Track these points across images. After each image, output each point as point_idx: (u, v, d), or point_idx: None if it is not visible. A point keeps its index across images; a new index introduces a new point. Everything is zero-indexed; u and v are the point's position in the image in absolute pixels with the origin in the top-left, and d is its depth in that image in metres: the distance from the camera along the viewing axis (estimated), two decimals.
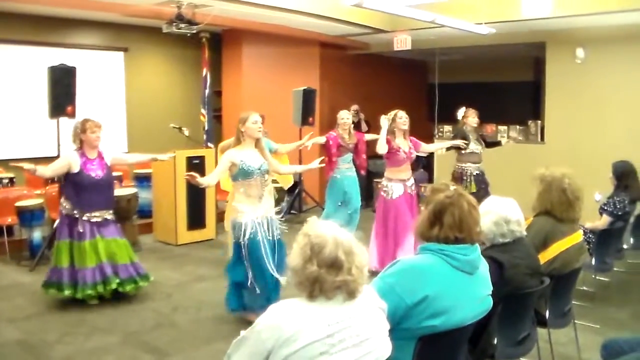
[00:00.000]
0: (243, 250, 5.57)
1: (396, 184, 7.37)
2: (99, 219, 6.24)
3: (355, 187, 8.47)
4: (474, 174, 8.38)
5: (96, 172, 6.19)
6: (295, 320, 2.33)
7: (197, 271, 7.49)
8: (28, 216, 7.65)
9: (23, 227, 7.96)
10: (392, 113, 7.39)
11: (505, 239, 3.71)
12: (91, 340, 5.41)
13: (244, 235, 5.53)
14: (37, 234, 7.82)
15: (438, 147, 8.20)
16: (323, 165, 7.03)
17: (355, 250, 2.42)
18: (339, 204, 8.43)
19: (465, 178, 8.34)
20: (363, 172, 8.74)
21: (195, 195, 8.57)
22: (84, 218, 6.16)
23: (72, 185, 6.15)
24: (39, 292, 6.46)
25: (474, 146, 8.40)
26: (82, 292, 6.14)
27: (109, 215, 6.38)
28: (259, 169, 5.62)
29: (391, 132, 7.30)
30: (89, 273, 6.13)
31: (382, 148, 7.16)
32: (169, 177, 8.78)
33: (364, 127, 11.78)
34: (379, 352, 2.47)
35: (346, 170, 8.34)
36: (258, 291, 5.59)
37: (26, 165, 6.02)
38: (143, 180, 9.70)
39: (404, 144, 7.36)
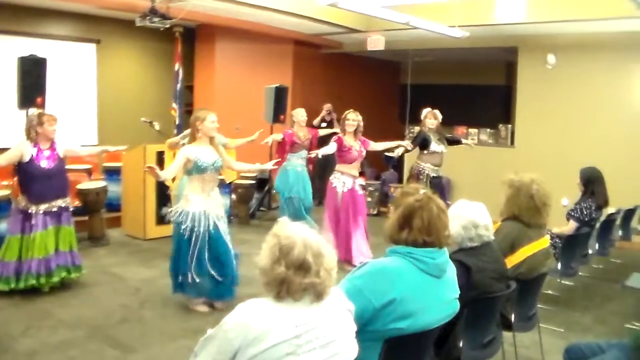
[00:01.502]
0: (188, 240, 5.84)
1: (347, 178, 7.75)
2: (53, 209, 6.32)
3: (303, 182, 8.74)
4: (431, 175, 8.44)
5: (47, 163, 6.25)
6: (262, 320, 2.34)
7: (165, 266, 7.34)
8: None
9: None
10: (345, 113, 7.85)
11: (473, 243, 3.75)
12: (56, 334, 5.35)
13: (192, 225, 5.81)
14: (3, 226, 7.70)
15: (385, 147, 8.27)
16: (277, 167, 7.32)
17: (324, 253, 2.43)
18: (292, 196, 8.69)
19: (422, 178, 8.39)
20: (311, 167, 9.23)
21: (165, 190, 8.52)
22: (38, 210, 6.22)
23: (24, 175, 6.22)
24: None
25: (435, 146, 8.45)
26: (25, 281, 6.20)
27: (63, 202, 6.44)
28: (213, 165, 5.90)
29: (343, 131, 7.77)
30: (34, 264, 6.21)
31: (330, 149, 7.59)
32: (138, 171, 8.68)
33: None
34: (346, 353, 2.49)
35: (297, 165, 8.67)
36: (197, 280, 5.88)
37: None
38: (113, 173, 9.61)
39: (354, 143, 7.72)
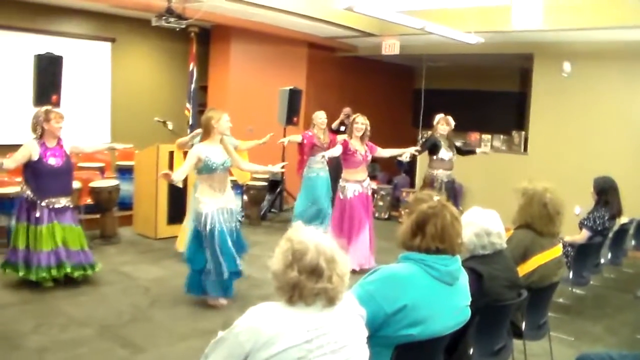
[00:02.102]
0: (204, 238, 6.00)
1: (352, 184, 7.73)
2: (56, 205, 6.38)
3: (325, 188, 8.72)
4: (445, 180, 8.44)
5: (55, 161, 6.33)
6: (274, 324, 2.33)
7: (176, 266, 7.45)
8: (7, 204, 7.56)
9: (2, 214, 7.86)
10: (352, 117, 7.82)
11: (486, 251, 3.74)
12: (66, 332, 5.37)
13: (205, 225, 5.94)
14: (14, 221, 7.74)
15: (393, 153, 8.24)
16: (284, 170, 7.40)
17: (337, 258, 2.42)
18: (309, 203, 8.71)
19: (435, 185, 8.39)
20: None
21: (176, 190, 8.51)
22: (43, 204, 6.29)
23: (32, 172, 6.28)
24: (16, 281, 6.45)
25: (445, 153, 8.46)
26: (37, 274, 6.27)
27: (66, 201, 6.51)
28: (222, 165, 6.04)
29: (349, 134, 7.71)
30: (44, 256, 6.28)
31: (336, 152, 7.66)
32: (151, 170, 8.73)
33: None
34: (357, 359, 2.48)
35: (319, 170, 8.74)
36: (214, 277, 6.06)
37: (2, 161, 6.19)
38: (125, 172, 9.65)
39: (360, 147, 7.68)
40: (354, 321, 2.52)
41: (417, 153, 8.40)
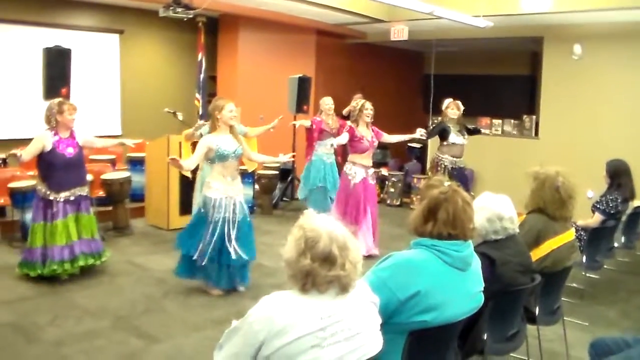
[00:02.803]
0: (207, 227, 6.02)
1: (359, 168, 7.71)
2: (71, 197, 6.41)
3: (331, 172, 8.73)
4: (449, 167, 8.40)
5: (68, 151, 6.35)
6: (287, 312, 2.34)
7: None
8: (20, 197, 7.60)
9: (15, 208, 7.91)
10: (360, 103, 7.75)
11: (498, 236, 3.73)
12: (82, 324, 5.41)
13: (212, 210, 6.00)
14: (29, 216, 7.78)
15: (399, 139, 8.19)
16: (293, 160, 7.34)
17: (349, 246, 2.42)
18: (318, 186, 8.72)
19: (439, 169, 8.36)
20: (339, 158, 9.19)
21: (188, 181, 8.54)
22: (58, 199, 6.32)
23: (46, 164, 6.30)
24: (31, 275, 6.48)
25: (455, 138, 8.40)
26: (49, 267, 6.32)
27: (82, 191, 6.55)
28: (234, 153, 6.08)
29: (355, 121, 7.68)
30: (57, 250, 6.33)
31: (342, 140, 7.67)
32: (162, 161, 8.71)
33: None
34: (370, 346, 2.48)
35: (323, 155, 8.69)
36: (203, 263, 6.04)
37: (14, 152, 6.28)
38: (136, 163, 9.68)
39: (367, 132, 7.69)
40: (367, 308, 2.52)
41: (424, 137, 8.36)
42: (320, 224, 2.44)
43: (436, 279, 2.85)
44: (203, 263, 6.06)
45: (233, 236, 6.10)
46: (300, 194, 9.27)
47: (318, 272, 2.35)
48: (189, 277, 6.29)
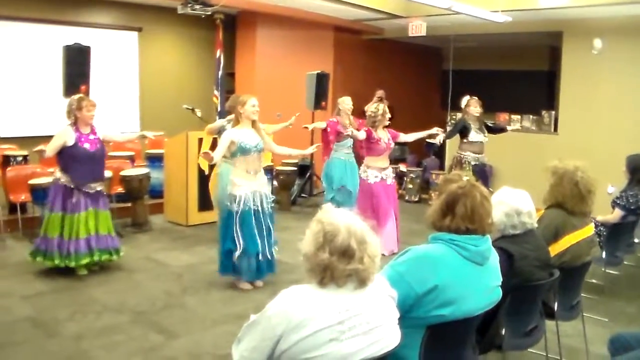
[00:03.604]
0: (236, 220, 6.12)
1: (372, 171, 7.72)
2: (91, 191, 6.49)
3: (350, 172, 8.72)
4: (472, 163, 8.38)
5: (90, 145, 6.43)
6: (306, 306, 2.34)
7: (208, 252, 7.51)
8: (41, 194, 7.66)
9: (36, 204, 8.01)
10: (380, 109, 7.70)
11: (516, 231, 3.72)
12: (101, 319, 5.45)
13: (238, 206, 6.10)
14: (48, 210, 7.86)
15: (416, 137, 8.17)
16: (316, 150, 7.51)
17: (367, 239, 2.42)
18: (339, 187, 8.71)
19: (464, 166, 8.35)
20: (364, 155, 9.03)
21: (207, 177, 8.58)
22: (81, 191, 6.41)
23: (68, 158, 6.37)
24: (49, 270, 6.56)
25: (475, 135, 8.39)
26: (76, 261, 6.41)
27: (100, 186, 6.63)
28: (256, 147, 6.17)
29: (374, 125, 7.65)
30: (76, 243, 6.41)
31: (361, 135, 7.63)
32: (180, 157, 8.80)
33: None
34: (389, 340, 2.48)
35: (342, 155, 8.70)
36: (250, 259, 6.19)
37: (40, 148, 6.34)
38: (155, 160, 9.74)
39: (383, 135, 7.68)
40: (385, 302, 2.52)
41: (439, 133, 8.31)
42: (339, 218, 2.44)
43: (454, 274, 2.85)
44: (236, 256, 6.16)
45: (259, 226, 6.22)
46: (326, 196, 9.24)
47: (336, 266, 2.35)
48: (231, 274, 6.36)
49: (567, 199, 4.30)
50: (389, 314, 2.52)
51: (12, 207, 8.33)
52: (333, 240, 2.37)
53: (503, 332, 3.54)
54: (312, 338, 2.30)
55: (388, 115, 7.69)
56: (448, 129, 8.51)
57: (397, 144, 8.35)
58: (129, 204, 8.74)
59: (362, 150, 7.97)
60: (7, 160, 8.65)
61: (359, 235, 2.40)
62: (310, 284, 2.43)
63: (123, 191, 8.66)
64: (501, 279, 3.10)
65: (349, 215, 2.47)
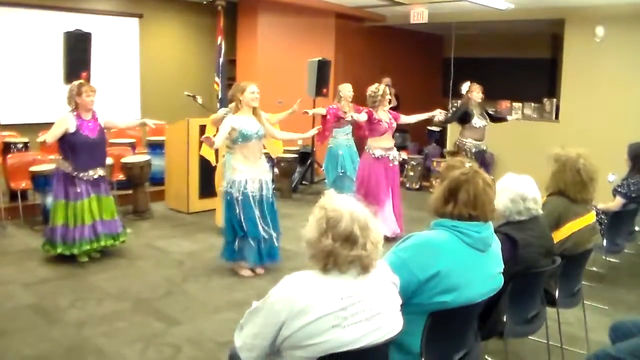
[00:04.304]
0: (237, 205, 6.13)
1: (377, 150, 7.71)
2: (93, 177, 6.50)
3: (350, 157, 8.70)
4: (473, 150, 8.38)
5: (91, 132, 6.43)
6: (308, 292, 2.35)
7: (209, 240, 7.52)
8: (42, 181, 7.68)
9: (37, 191, 8.00)
10: (381, 89, 7.69)
11: (522, 217, 3.70)
12: (103, 306, 5.46)
13: (239, 191, 6.12)
14: (50, 199, 7.86)
15: (417, 119, 8.15)
16: (317, 132, 7.57)
17: (370, 226, 2.42)
18: (340, 173, 8.72)
19: (464, 153, 8.34)
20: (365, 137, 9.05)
21: (208, 164, 8.55)
22: (82, 178, 6.42)
23: (69, 145, 6.37)
24: (52, 257, 6.57)
25: (478, 121, 8.41)
26: (79, 248, 6.45)
27: (102, 172, 6.63)
28: (257, 133, 6.18)
29: (375, 106, 7.66)
30: (86, 230, 6.45)
31: (362, 117, 7.59)
32: (181, 144, 8.79)
33: (394, 101, 11.73)
34: (391, 326, 2.49)
35: (343, 141, 8.68)
36: (252, 243, 6.21)
37: (41, 138, 6.27)
38: (156, 147, 9.72)
39: (384, 115, 7.69)
40: (387, 288, 2.53)
41: (441, 117, 8.30)
42: (342, 204, 2.44)
43: (456, 260, 2.84)
44: (236, 242, 6.20)
45: (260, 213, 6.23)
46: (327, 182, 9.25)
47: (339, 252, 2.35)
48: (233, 260, 6.37)
49: (569, 187, 4.29)
50: (392, 301, 2.52)
51: (12, 195, 8.33)
52: (336, 226, 2.37)
53: (504, 319, 3.54)
54: (315, 324, 2.30)
55: (388, 97, 7.70)
56: (439, 110, 8.45)
57: (399, 130, 8.34)
58: (130, 191, 8.75)
59: (362, 131, 7.95)
60: (7, 147, 8.65)
61: (362, 222, 2.39)
62: (313, 270, 2.43)
63: (124, 178, 8.67)
64: (503, 266, 3.09)
65: (352, 202, 2.47)
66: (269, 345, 2.42)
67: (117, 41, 11.01)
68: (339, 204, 2.43)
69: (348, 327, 2.34)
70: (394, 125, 7.79)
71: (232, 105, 6.48)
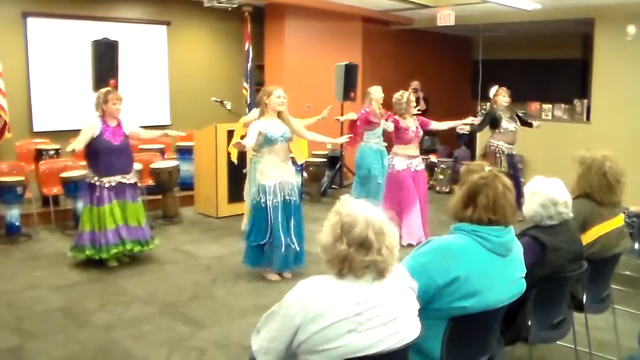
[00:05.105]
0: (264, 211, 6.15)
1: (399, 159, 7.72)
2: (115, 184, 6.54)
3: (379, 160, 8.65)
4: (507, 153, 8.34)
5: (114, 138, 6.50)
6: (324, 297, 2.34)
7: (237, 244, 7.54)
8: (72, 186, 7.80)
9: (68, 197, 8.13)
10: (405, 96, 7.69)
11: (553, 222, 3.62)
12: (131, 310, 5.53)
13: (267, 197, 6.13)
14: (81, 204, 7.95)
15: (448, 126, 8.10)
16: (348, 140, 7.57)
17: (386, 231, 2.40)
18: (369, 176, 8.69)
19: (498, 155, 8.31)
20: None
21: (236, 168, 8.60)
22: (103, 184, 6.47)
23: (92, 149, 6.45)
24: (82, 261, 6.67)
25: (507, 124, 8.38)
26: (107, 252, 6.51)
27: (127, 179, 6.66)
28: (282, 137, 6.18)
29: (401, 114, 7.66)
30: (110, 234, 6.50)
31: (390, 127, 7.63)
32: (210, 149, 8.84)
33: (422, 105, 11.69)
34: (408, 331, 2.47)
35: (373, 144, 8.63)
36: (277, 249, 6.20)
37: (70, 148, 6.42)
38: (185, 152, 9.81)
39: (411, 123, 7.68)
40: (404, 294, 2.51)
41: (473, 124, 8.26)
42: (357, 209, 2.43)
43: (476, 265, 2.82)
44: (264, 248, 6.22)
45: (286, 218, 6.24)
46: (354, 185, 9.19)
47: (354, 257, 2.34)
48: (255, 265, 6.39)
49: (595, 190, 4.20)
50: (409, 306, 2.51)
51: (45, 200, 8.46)
52: (351, 231, 2.36)
53: (529, 324, 3.50)
54: (330, 329, 2.30)
55: (413, 103, 7.69)
56: (478, 118, 8.44)
57: (428, 133, 8.30)
58: (159, 196, 8.82)
59: (390, 135, 7.95)
60: (39, 154, 8.81)
61: (377, 227, 2.38)
62: (329, 275, 2.43)
63: (153, 183, 8.75)
64: (525, 271, 3.05)
65: (367, 207, 2.45)
66: (285, 349, 2.42)
67: (146, 49, 11.14)
68: (354, 208, 2.42)
69: (364, 332, 2.33)
70: (421, 133, 7.79)
71: (251, 114, 6.52)
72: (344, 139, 7.28)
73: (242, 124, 7.67)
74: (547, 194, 3.62)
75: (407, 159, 7.70)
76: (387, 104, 9.16)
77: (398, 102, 7.64)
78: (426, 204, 7.87)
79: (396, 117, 7.68)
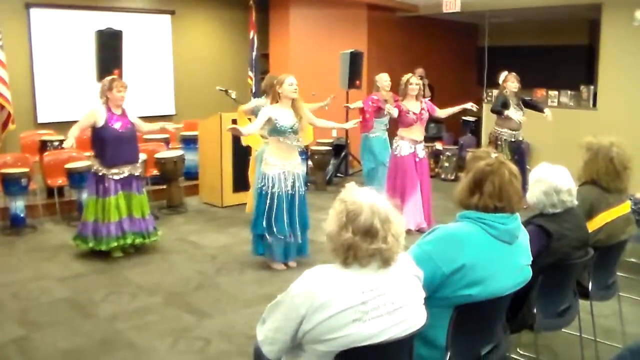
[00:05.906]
0: (268, 201, 6.11)
1: (405, 142, 7.68)
2: (122, 175, 6.54)
3: (384, 146, 8.64)
4: (509, 140, 8.31)
5: (120, 126, 6.47)
6: (329, 286, 2.32)
7: (242, 233, 7.53)
8: (77, 177, 7.80)
9: (72, 188, 8.13)
10: (406, 78, 7.68)
11: (556, 209, 3.59)
12: (136, 300, 5.53)
13: (271, 187, 6.09)
14: (85, 195, 7.97)
15: (452, 111, 8.05)
16: (356, 125, 7.54)
17: (391, 219, 2.37)
18: (375, 164, 8.69)
19: (499, 143, 8.29)
20: None
21: (241, 158, 8.57)
22: (109, 175, 6.45)
23: (98, 139, 6.45)
24: (87, 252, 6.66)
25: (513, 112, 8.31)
26: (107, 244, 6.50)
27: (133, 170, 6.66)
28: (291, 128, 6.08)
29: (403, 95, 7.66)
30: (112, 227, 6.49)
31: (394, 113, 7.59)
32: (215, 139, 8.82)
33: (427, 92, 11.64)
34: (414, 320, 2.45)
35: (379, 132, 8.59)
36: (281, 237, 6.20)
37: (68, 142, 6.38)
38: (189, 142, 9.80)
39: (414, 106, 7.62)
40: (410, 282, 2.49)
41: (475, 109, 8.18)
42: (362, 197, 2.41)
43: (482, 253, 2.79)
44: (268, 237, 6.19)
45: (290, 207, 6.22)
46: (364, 170, 9.22)
47: (359, 245, 2.32)
48: (263, 254, 6.39)
49: (602, 176, 4.15)
50: (414, 294, 2.49)
51: (49, 191, 8.45)
52: (356, 219, 2.33)
53: (535, 311, 3.47)
54: (336, 318, 2.28)
55: (413, 86, 7.59)
56: (484, 105, 8.40)
57: (433, 120, 8.26)
58: (164, 186, 8.82)
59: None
60: (44, 145, 8.78)
61: (383, 214, 2.35)
62: (334, 264, 2.41)
63: (158, 173, 8.74)
64: (531, 258, 3.03)
65: (372, 194, 2.43)
66: (290, 339, 2.40)
67: (150, 38, 11.12)
68: (359, 196, 2.40)
69: (369, 321, 2.31)
70: (425, 117, 7.72)
71: (263, 97, 6.45)
72: (353, 124, 7.23)
73: (243, 112, 7.65)
74: (551, 181, 3.59)
75: (412, 143, 7.66)
76: (395, 92, 9.14)
77: (401, 85, 7.66)
78: (429, 192, 7.84)
79: (397, 102, 7.67)
